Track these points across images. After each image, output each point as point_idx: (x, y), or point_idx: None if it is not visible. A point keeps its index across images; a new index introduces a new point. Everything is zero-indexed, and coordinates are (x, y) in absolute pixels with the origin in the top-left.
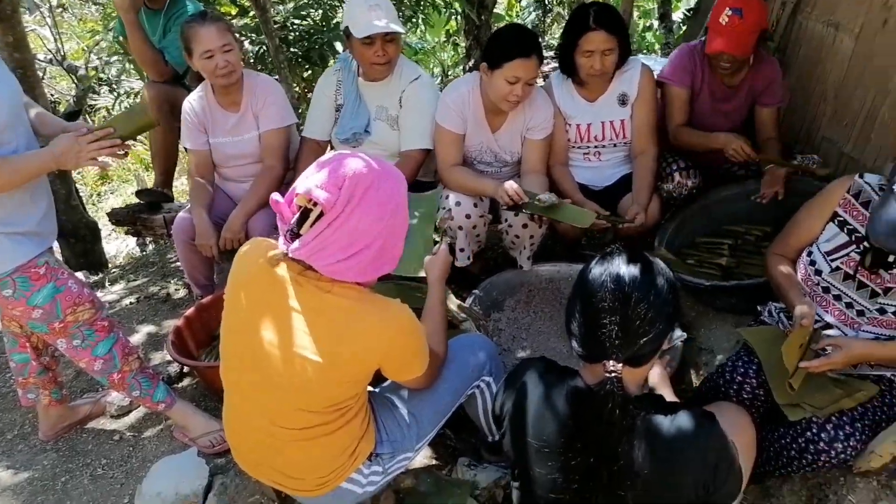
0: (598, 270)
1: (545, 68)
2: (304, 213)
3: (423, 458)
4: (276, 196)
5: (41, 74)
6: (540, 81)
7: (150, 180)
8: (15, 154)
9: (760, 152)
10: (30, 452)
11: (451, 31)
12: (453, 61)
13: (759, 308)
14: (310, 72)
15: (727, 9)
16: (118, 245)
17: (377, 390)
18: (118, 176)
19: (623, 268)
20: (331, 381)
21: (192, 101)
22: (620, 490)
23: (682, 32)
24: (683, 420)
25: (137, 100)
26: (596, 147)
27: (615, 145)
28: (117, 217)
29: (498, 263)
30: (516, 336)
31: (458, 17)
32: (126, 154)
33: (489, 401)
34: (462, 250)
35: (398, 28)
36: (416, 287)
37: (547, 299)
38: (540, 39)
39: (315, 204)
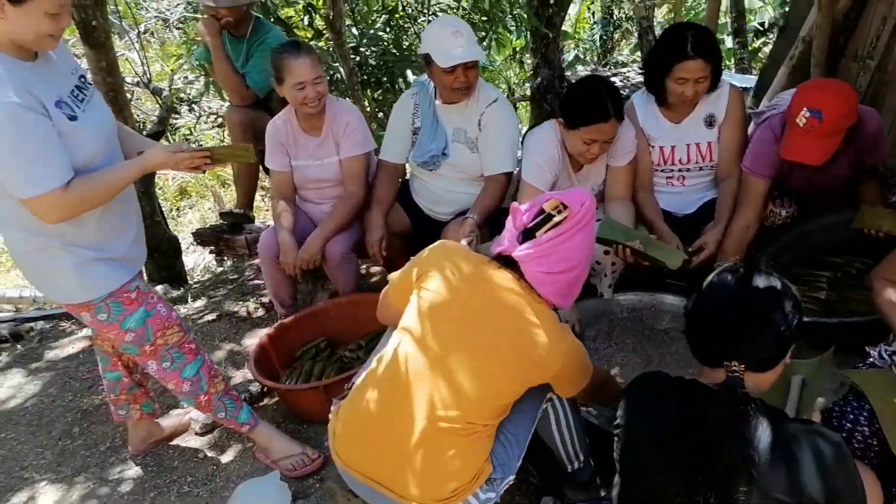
0: (723, 277)
1: (615, 83)
2: (545, 219)
3: (506, 502)
4: (515, 204)
5: (129, 96)
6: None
7: (226, 195)
8: None
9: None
10: (121, 465)
11: (516, 47)
12: (519, 78)
13: (867, 349)
14: (380, 92)
15: (805, 109)
16: (195, 258)
17: None
18: (196, 192)
19: (748, 275)
20: (513, 380)
21: (276, 124)
22: (737, 495)
23: (763, 50)
24: (807, 432)
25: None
26: (680, 170)
27: (701, 169)
28: (202, 237)
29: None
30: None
31: (526, 35)
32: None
33: (562, 418)
34: None
35: (481, 55)
36: None
37: (629, 330)
38: (597, 65)
39: (560, 211)
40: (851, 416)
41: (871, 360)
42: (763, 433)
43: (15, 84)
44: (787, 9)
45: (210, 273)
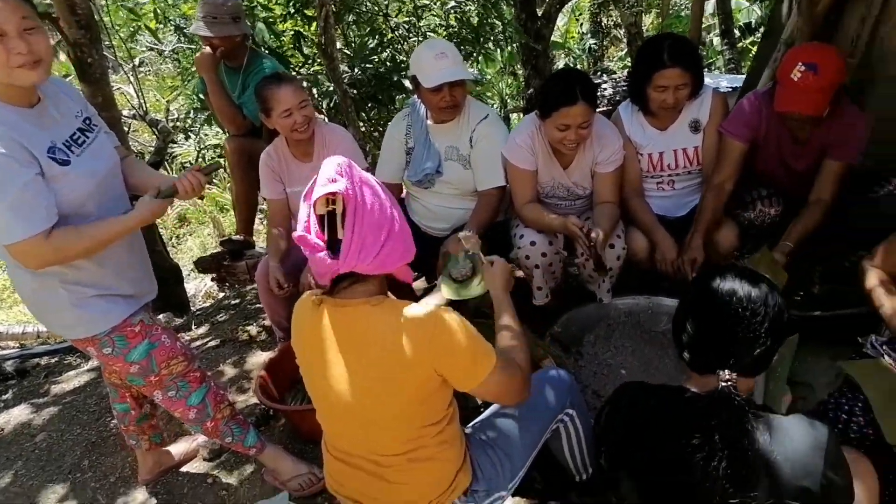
0: (713, 284)
1: (606, 91)
2: (331, 220)
3: (511, 503)
4: (298, 233)
5: (126, 129)
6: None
7: (224, 222)
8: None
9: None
10: (131, 495)
11: (507, 60)
12: (512, 91)
13: (860, 340)
14: (375, 111)
15: (800, 63)
16: (196, 285)
17: (469, 429)
18: (195, 218)
19: (737, 282)
20: (402, 402)
21: (268, 153)
22: (737, 496)
23: (751, 55)
24: (799, 426)
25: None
26: (669, 176)
27: (689, 173)
28: (204, 265)
29: (573, 296)
30: (597, 372)
31: (515, 47)
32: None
33: (573, 436)
34: (540, 289)
35: (465, 75)
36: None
37: (627, 334)
38: (592, 77)
39: (334, 201)
40: (846, 407)
41: (865, 350)
42: (764, 438)
43: (1, 134)
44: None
45: (212, 299)
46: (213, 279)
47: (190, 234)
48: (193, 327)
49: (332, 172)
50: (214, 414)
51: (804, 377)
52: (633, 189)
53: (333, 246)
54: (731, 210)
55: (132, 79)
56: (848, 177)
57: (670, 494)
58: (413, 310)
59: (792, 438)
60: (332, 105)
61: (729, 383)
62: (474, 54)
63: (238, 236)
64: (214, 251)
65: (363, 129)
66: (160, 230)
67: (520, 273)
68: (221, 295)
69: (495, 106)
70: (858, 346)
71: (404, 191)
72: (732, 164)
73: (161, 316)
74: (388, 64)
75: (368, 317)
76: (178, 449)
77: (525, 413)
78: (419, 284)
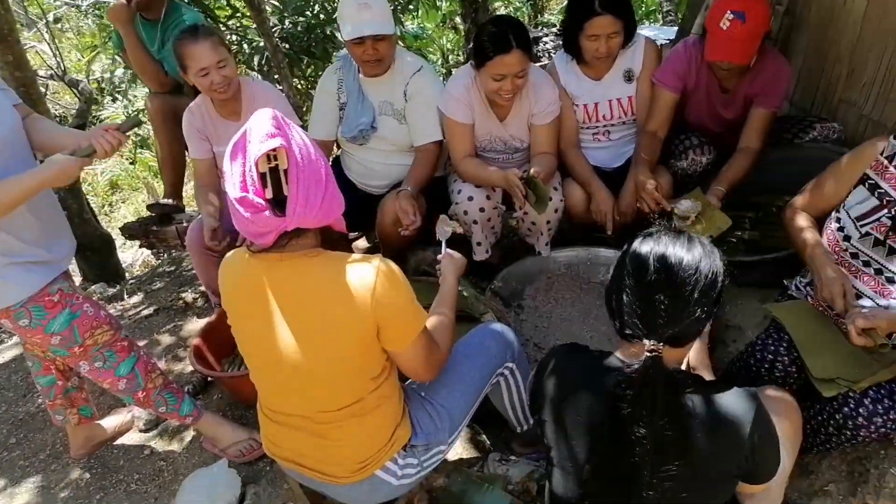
0: (643, 249)
1: (547, 45)
2: (274, 177)
3: (453, 454)
4: (237, 194)
5: (44, 90)
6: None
7: (159, 187)
8: None
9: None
10: (63, 471)
11: (447, 14)
12: (453, 45)
13: (785, 282)
14: (311, 67)
15: (728, 12)
16: (133, 254)
17: (408, 384)
18: (128, 184)
19: (669, 247)
20: (343, 353)
21: (191, 112)
22: (665, 465)
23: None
24: (728, 397)
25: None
26: (605, 126)
27: (624, 123)
28: (130, 231)
29: (515, 251)
30: (538, 325)
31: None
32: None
33: (514, 388)
34: (479, 244)
35: (386, 30)
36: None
37: (567, 285)
38: (528, 25)
39: (276, 157)
40: (772, 348)
41: (790, 291)
42: (694, 409)
43: None
44: None
45: (149, 267)
46: (141, 245)
47: (122, 202)
48: (126, 296)
49: (270, 127)
50: (145, 384)
51: (735, 320)
52: (570, 141)
53: (277, 203)
54: (664, 159)
55: (47, 36)
56: (774, 123)
57: (600, 461)
58: (354, 261)
59: (721, 410)
60: (264, 61)
61: (654, 353)
62: (411, 6)
63: (166, 200)
64: (142, 217)
65: (298, 86)
66: (90, 197)
67: (459, 229)
68: (158, 263)
69: (437, 61)
70: (784, 288)
71: (338, 149)
72: (663, 112)
73: (95, 286)
74: (321, 16)
75: (307, 270)
76: (111, 422)
77: (464, 367)
78: (361, 243)
